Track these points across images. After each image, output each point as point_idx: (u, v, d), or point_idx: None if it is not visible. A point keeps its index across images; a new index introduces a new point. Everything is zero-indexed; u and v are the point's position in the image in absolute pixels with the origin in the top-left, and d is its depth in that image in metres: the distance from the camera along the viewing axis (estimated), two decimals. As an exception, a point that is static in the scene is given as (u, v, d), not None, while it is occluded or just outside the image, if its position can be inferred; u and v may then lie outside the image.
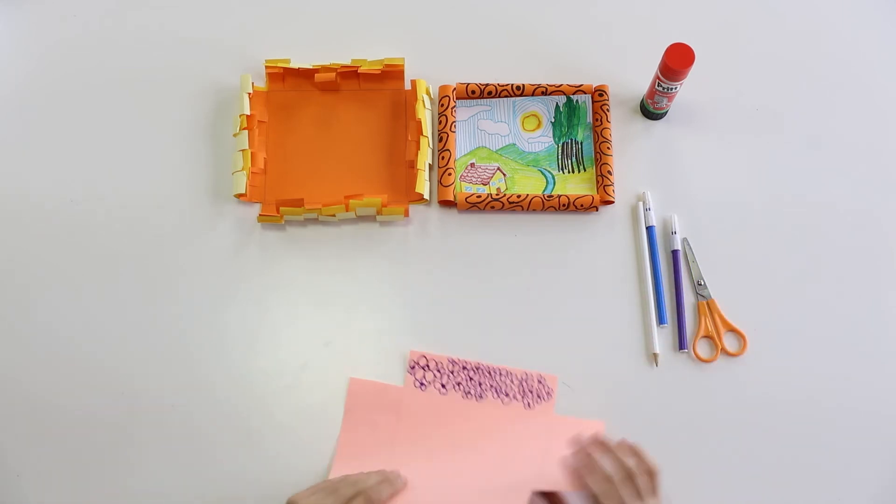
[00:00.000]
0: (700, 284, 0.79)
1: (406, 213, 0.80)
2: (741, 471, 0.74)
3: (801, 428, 0.75)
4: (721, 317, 0.78)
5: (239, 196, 0.80)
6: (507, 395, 0.75)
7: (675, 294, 0.79)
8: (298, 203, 0.78)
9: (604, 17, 0.88)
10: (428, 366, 0.76)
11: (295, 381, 0.77)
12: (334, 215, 0.80)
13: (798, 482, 0.74)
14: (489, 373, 0.76)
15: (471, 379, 0.76)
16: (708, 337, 0.78)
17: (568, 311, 0.79)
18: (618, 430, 0.74)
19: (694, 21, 0.87)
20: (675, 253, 0.79)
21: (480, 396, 0.76)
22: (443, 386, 0.76)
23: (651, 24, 0.87)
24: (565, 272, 0.79)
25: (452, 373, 0.76)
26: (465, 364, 0.76)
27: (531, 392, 0.76)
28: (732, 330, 0.77)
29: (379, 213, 0.80)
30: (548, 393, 0.76)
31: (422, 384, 0.76)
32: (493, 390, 0.76)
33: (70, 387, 0.77)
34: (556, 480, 0.67)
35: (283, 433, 0.75)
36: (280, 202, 0.79)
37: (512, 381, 0.76)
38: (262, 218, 0.80)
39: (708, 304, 0.78)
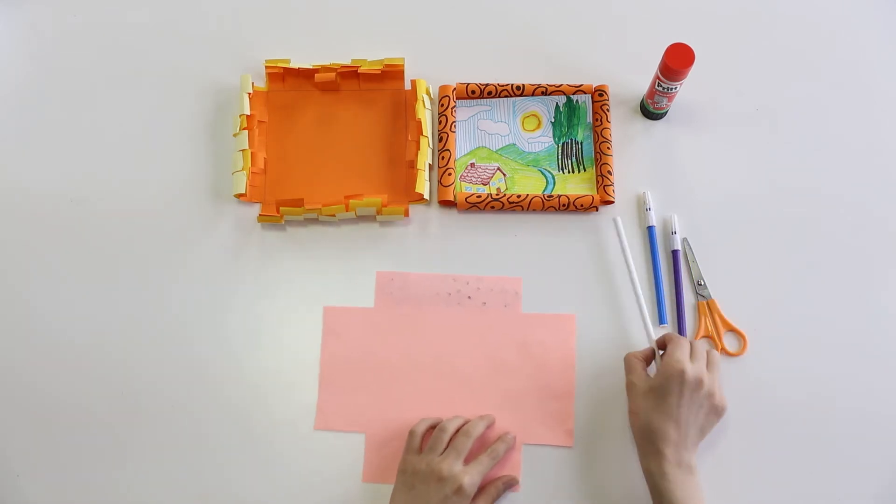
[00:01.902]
0: (700, 284, 0.79)
1: (406, 213, 0.80)
2: (741, 471, 0.74)
3: (802, 428, 0.75)
4: (721, 317, 0.78)
5: (239, 196, 0.80)
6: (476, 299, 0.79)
7: (675, 294, 0.79)
8: (298, 203, 0.79)
9: (604, 17, 0.88)
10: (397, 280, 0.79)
11: (296, 380, 0.77)
12: (334, 215, 0.80)
13: (798, 482, 0.74)
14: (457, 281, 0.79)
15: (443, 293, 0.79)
16: (708, 337, 0.78)
17: (568, 311, 0.78)
18: (618, 429, 0.74)
19: (694, 21, 0.87)
20: (675, 253, 0.79)
21: (458, 304, 0.79)
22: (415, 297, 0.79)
23: (651, 24, 0.87)
24: (565, 272, 0.79)
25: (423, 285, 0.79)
26: (435, 277, 0.79)
27: (503, 293, 0.79)
28: (732, 330, 0.77)
29: (379, 213, 0.80)
30: (515, 293, 0.78)
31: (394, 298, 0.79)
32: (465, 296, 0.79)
33: (70, 387, 0.77)
34: (531, 373, 0.76)
35: (285, 432, 0.75)
36: (280, 202, 0.79)
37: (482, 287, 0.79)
38: (262, 218, 0.80)
39: (708, 304, 0.78)
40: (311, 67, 0.83)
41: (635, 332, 0.78)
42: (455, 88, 0.84)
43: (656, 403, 0.68)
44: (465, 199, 0.80)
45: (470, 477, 0.68)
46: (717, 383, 0.70)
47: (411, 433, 0.73)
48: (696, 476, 0.67)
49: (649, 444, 0.68)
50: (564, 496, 0.73)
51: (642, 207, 0.81)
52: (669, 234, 0.80)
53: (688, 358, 0.69)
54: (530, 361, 0.77)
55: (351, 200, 0.79)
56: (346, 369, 0.77)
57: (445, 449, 0.71)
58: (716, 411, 0.70)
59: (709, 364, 0.70)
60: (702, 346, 0.71)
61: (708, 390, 0.68)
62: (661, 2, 0.88)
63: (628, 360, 0.73)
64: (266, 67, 0.84)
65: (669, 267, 0.80)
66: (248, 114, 0.81)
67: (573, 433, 0.74)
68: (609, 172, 0.81)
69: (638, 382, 0.71)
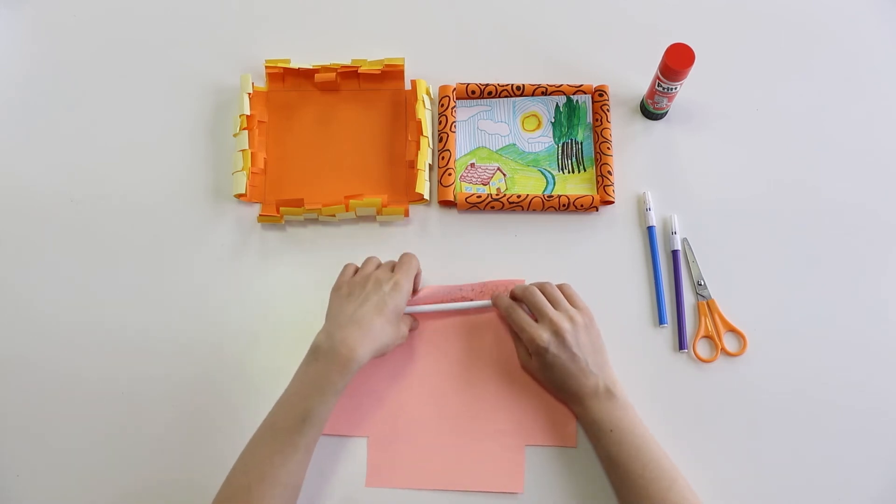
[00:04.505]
0: (700, 284, 0.79)
1: (406, 213, 0.80)
2: (741, 471, 0.74)
3: (802, 428, 0.75)
4: (721, 317, 0.78)
5: (239, 196, 0.80)
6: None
7: (675, 294, 0.79)
8: (298, 203, 0.79)
9: (604, 17, 0.88)
10: None
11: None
12: (334, 215, 0.80)
13: (798, 482, 0.74)
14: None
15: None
16: (708, 337, 0.78)
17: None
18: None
19: (694, 21, 0.87)
20: (675, 253, 0.79)
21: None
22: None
23: (651, 24, 0.87)
24: (565, 272, 0.79)
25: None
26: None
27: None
28: (732, 330, 0.77)
29: (379, 213, 0.80)
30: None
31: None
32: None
33: (70, 386, 0.77)
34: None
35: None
36: (280, 202, 0.79)
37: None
38: (262, 218, 0.80)
39: (708, 304, 0.78)
40: (311, 67, 0.83)
41: (636, 331, 0.78)
42: (455, 88, 0.84)
43: (550, 375, 0.71)
44: (465, 199, 0.80)
45: (403, 276, 0.71)
46: (564, 306, 0.72)
47: (345, 266, 0.75)
48: (620, 397, 0.70)
49: (564, 399, 0.73)
50: (568, 497, 0.73)
51: (642, 207, 0.81)
52: (669, 234, 0.80)
53: (534, 325, 0.71)
54: None
55: (351, 200, 0.79)
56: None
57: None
58: (588, 325, 0.72)
59: (551, 300, 0.72)
60: (532, 293, 0.72)
61: (570, 330, 0.70)
62: (661, 2, 0.88)
63: (513, 338, 0.76)
64: (266, 67, 0.84)
65: (669, 267, 0.80)
66: (248, 114, 0.81)
67: (576, 434, 0.74)
68: (609, 172, 0.81)
69: (527, 364, 0.74)
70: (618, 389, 0.70)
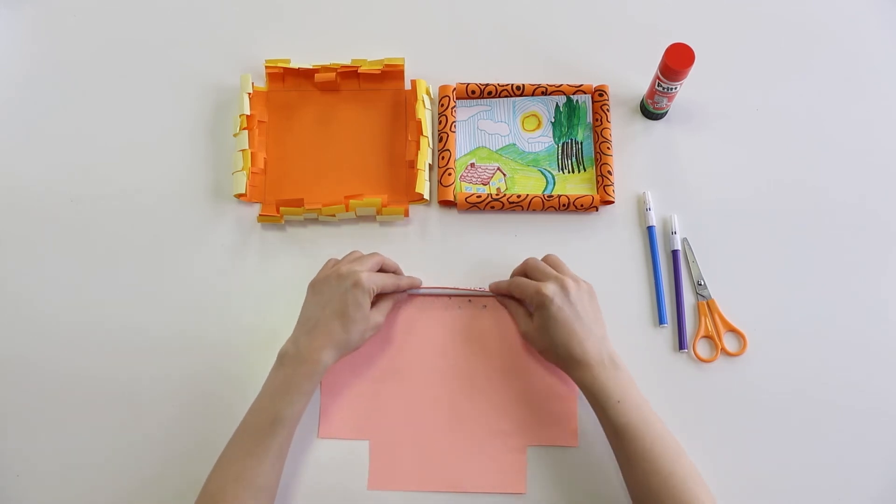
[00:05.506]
0: (700, 284, 0.79)
1: (406, 213, 0.80)
2: (741, 472, 0.74)
3: (802, 428, 0.75)
4: (721, 317, 0.78)
5: (239, 196, 0.80)
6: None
7: (675, 294, 0.79)
8: (298, 203, 0.79)
9: (604, 17, 0.88)
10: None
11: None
12: (334, 215, 0.80)
13: (798, 482, 0.74)
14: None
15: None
16: (708, 337, 0.78)
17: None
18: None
19: (694, 21, 0.87)
20: (675, 253, 0.79)
21: (458, 307, 0.79)
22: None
23: (651, 24, 0.87)
24: (565, 272, 0.79)
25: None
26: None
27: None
28: (732, 330, 0.77)
29: (379, 213, 0.80)
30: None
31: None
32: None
33: (70, 386, 0.77)
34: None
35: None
36: (280, 202, 0.79)
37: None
38: (262, 218, 0.80)
39: (708, 304, 0.78)
40: (311, 67, 0.83)
41: (636, 331, 0.78)
42: (455, 88, 0.84)
43: (554, 333, 0.70)
44: (465, 199, 0.80)
45: (368, 275, 0.71)
46: (569, 272, 0.74)
47: (327, 262, 0.76)
48: (623, 368, 0.69)
49: (568, 364, 0.70)
50: (570, 496, 0.73)
51: (642, 207, 0.81)
52: (669, 234, 0.80)
53: (539, 283, 0.72)
54: (533, 362, 0.77)
55: (351, 200, 0.79)
56: (348, 376, 0.76)
57: None
58: (591, 293, 0.73)
59: (552, 264, 0.74)
60: (535, 262, 0.74)
61: (575, 288, 0.71)
62: (661, 2, 0.88)
63: (512, 309, 0.77)
64: (266, 67, 0.84)
65: (669, 267, 0.80)
66: (248, 114, 0.81)
67: (577, 433, 0.74)
68: (609, 172, 0.81)
69: (529, 329, 0.74)
70: (621, 362, 0.70)
